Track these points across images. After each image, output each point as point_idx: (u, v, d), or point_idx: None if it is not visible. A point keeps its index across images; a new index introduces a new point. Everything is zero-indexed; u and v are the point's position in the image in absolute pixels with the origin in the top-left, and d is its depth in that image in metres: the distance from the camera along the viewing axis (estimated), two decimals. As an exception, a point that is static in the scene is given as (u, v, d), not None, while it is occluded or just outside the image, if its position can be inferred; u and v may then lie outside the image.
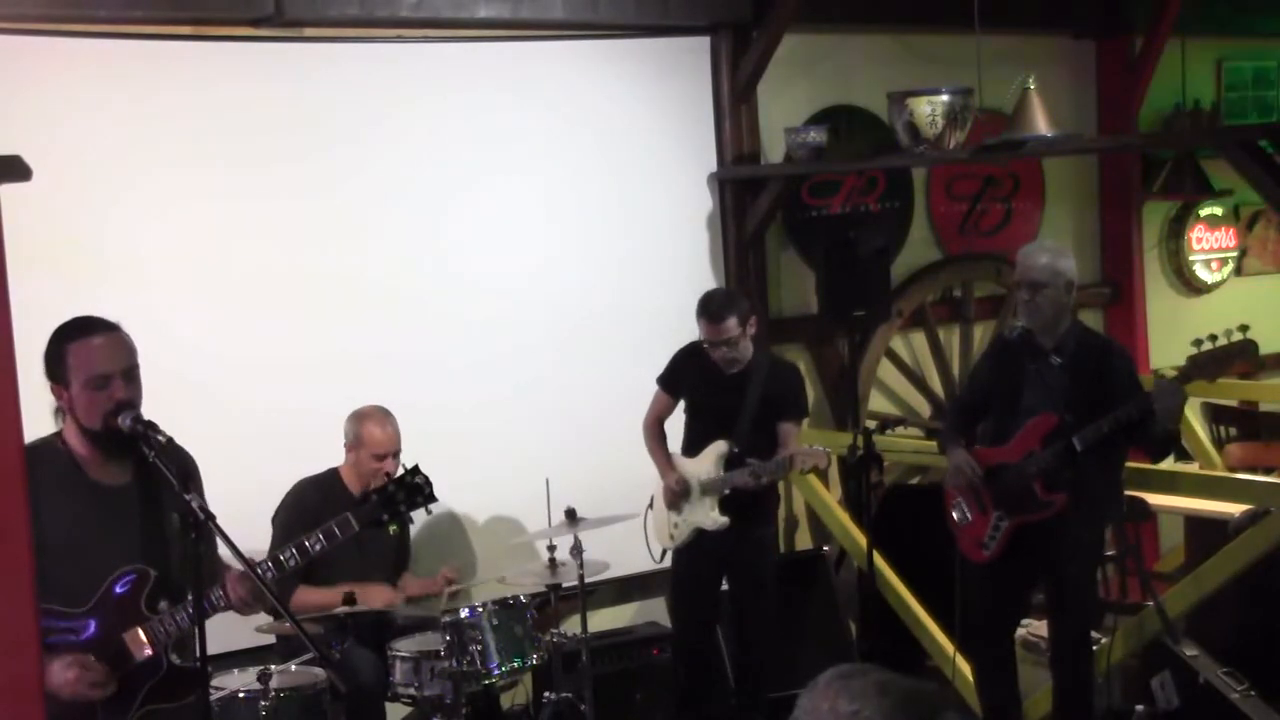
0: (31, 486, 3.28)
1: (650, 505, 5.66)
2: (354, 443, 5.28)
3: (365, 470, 5.22)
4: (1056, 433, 4.80)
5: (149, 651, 3.40)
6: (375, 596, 5.15)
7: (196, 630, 3.28)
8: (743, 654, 5.64)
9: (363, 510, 3.63)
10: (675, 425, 5.73)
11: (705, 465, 5.49)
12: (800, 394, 5.64)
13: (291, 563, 3.54)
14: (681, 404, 5.67)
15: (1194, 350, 4.69)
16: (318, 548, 3.55)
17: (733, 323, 5.35)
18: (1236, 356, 4.60)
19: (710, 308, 5.39)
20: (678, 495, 5.52)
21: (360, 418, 5.29)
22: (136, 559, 3.41)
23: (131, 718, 3.41)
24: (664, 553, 5.66)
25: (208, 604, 3.35)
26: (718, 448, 5.46)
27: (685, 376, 5.59)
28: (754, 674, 5.62)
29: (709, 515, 5.46)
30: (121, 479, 3.44)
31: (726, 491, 5.42)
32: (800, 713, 1.97)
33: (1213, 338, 4.62)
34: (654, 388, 5.67)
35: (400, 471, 3.84)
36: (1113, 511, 5.14)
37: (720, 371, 5.45)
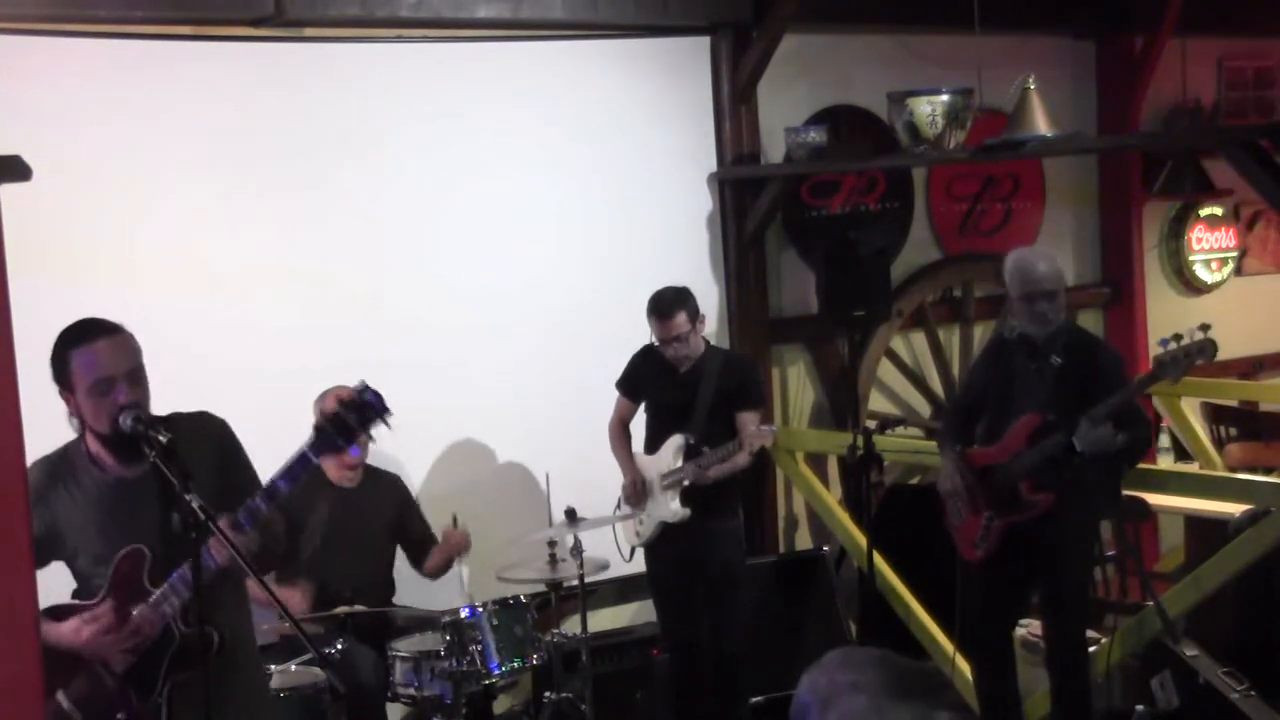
0: (64, 494, 3.42)
1: (618, 506, 5.69)
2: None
3: None
4: (1041, 432, 4.81)
5: (160, 625, 3.42)
6: (290, 600, 4.92)
7: (195, 622, 3.32)
8: (716, 651, 5.63)
9: (319, 439, 3.35)
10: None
11: (664, 459, 5.55)
12: (755, 383, 5.71)
13: (264, 507, 3.37)
14: (643, 405, 5.74)
15: (1160, 350, 4.71)
16: (284, 486, 3.35)
17: (682, 318, 5.44)
18: (1196, 356, 4.62)
19: (660, 306, 5.48)
20: (636, 492, 5.58)
21: (319, 396, 5.15)
22: (149, 543, 3.43)
23: (160, 691, 3.44)
24: (633, 551, 5.69)
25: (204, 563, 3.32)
26: (675, 441, 5.53)
27: (642, 378, 5.67)
28: (730, 671, 5.62)
29: (669, 507, 5.51)
30: (139, 470, 3.45)
31: (685, 483, 5.46)
32: (802, 689, 2.01)
33: (1177, 337, 4.64)
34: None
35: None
36: (1109, 511, 5.15)
37: (674, 369, 5.54)
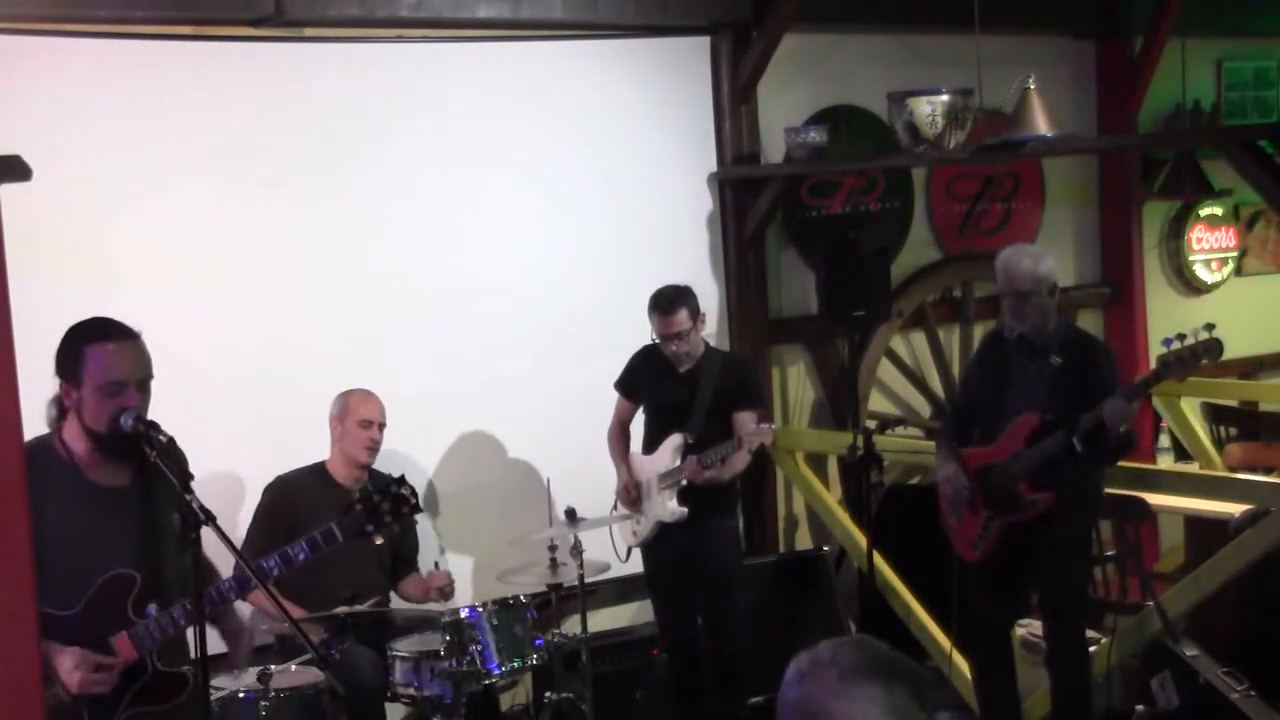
0: (37, 493, 3.33)
1: (615, 506, 5.69)
2: (340, 414, 5.30)
3: (352, 439, 5.22)
4: (1040, 432, 4.81)
5: (134, 655, 3.39)
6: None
7: (196, 631, 3.29)
8: (716, 651, 5.62)
9: (347, 520, 3.59)
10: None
11: (662, 459, 5.55)
12: (754, 383, 5.70)
13: (275, 571, 3.52)
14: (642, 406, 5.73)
15: (1164, 350, 4.71)
16: (301, 557, 3.52)
17: (683, 315, 5.43)
18: (1202, 355, 4.62)
19: (661, 302, 5.47)
20: (633, 493, 5.58)
21: (345, 393, 5.34)
22: (129, 560, 3.40)
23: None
24: (629, 552, 5.69)
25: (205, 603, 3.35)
26: (673, 440, 5.52)
27: (641, 378, 5.67)
28: (730, 671, 5.62)
29: (667, 507, 5.51)
30: (119, 480, 3.44)
31: (683, 482, 5.46)
32: (790, 669, 2.04)
33: (1181, 337, 4.64)
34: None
35: (391, 484, 3.78)
36: (1101, 510, 5.16)
37: (674, 369, 5.53)
